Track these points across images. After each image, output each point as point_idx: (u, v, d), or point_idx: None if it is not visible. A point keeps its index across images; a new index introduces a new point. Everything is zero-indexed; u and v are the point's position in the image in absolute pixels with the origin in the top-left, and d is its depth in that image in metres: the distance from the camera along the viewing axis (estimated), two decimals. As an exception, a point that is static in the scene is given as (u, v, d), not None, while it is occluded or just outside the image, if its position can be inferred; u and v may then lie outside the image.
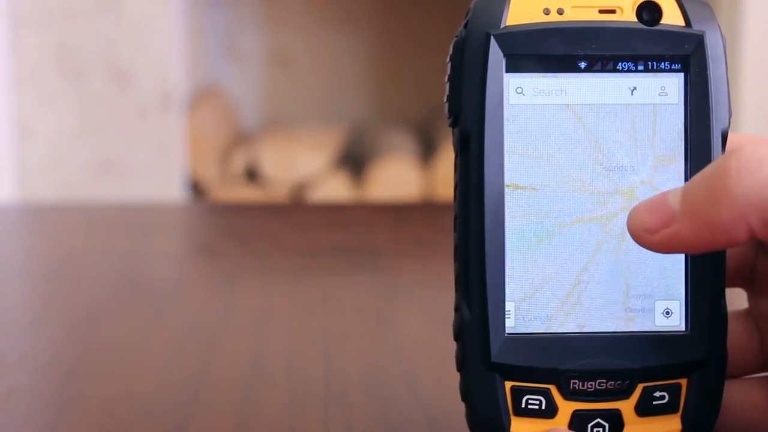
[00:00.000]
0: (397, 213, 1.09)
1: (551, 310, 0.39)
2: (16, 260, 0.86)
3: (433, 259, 0.79)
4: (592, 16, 0.38)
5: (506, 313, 0.38)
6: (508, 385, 0.38)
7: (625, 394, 0.38)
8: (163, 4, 1.83)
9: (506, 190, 0.38)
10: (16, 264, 0.85)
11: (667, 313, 0.39)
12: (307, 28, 2.32)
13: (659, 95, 0.39)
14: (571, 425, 0.38)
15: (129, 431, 0.48)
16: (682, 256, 0.39)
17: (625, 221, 0.36)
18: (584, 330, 0.38)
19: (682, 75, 0.39)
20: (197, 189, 1.98)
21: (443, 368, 0.45)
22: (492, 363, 0.38)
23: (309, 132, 2.13)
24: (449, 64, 0.39)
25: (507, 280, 0.38)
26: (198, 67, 2.13)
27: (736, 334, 0.40)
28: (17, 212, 1.16)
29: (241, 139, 2.15)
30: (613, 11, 0.38)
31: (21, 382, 0.55)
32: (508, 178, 0.38)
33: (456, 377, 0.39)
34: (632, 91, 0.39)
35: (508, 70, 0.38)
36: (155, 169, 1.86)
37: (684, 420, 0.38)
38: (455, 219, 0.39)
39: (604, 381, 0.38)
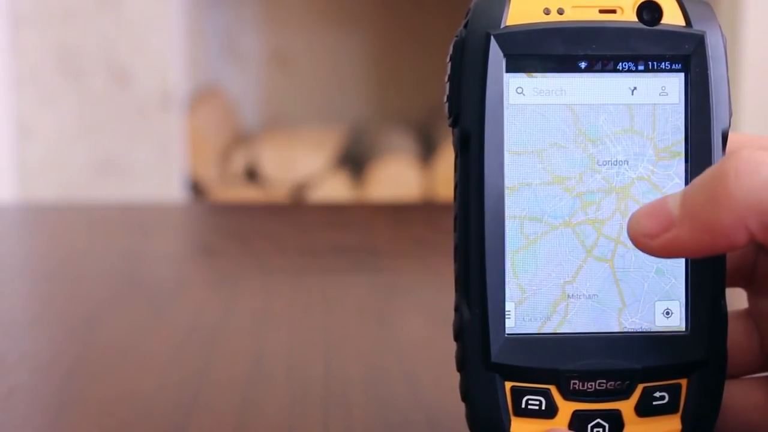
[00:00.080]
0: (397, 213, 1.09)
1: (551, 310, 0.39)
2: (16, 260, 0.86)
3: (433, 259, 0.79)
4: (592, 16, 0.38)
5: (506, 313, 0.38)
6: (508, 385, 0.38)
7: (625, 395, 0.38)
8: (163, 4, 1.83)
9: (506, 190, 0.38)
10: (16, 264, 0.85)
11: (668, 313, 0.39)
12: (307, 28, 2.32)
13: (659, 95, 0.39)
14: (571, 425, 0.38)
15: (129, 431, 0.48)
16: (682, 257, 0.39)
17: (623, 220, 0.36)
18: (584, 330, 0.38)
19: (682, 75, 0.39)
20: (197, 189, 1.98)
21: (443, 368, 0.45)
22: (492, 363, 0.38)
23: (309, 132, 2.13)
24: (449, 64, 0.39)
25: (507, 280, 0.38)
26: (198, 67, 2.13)
27: (736, 334, 0.40)
28: (17, 212, 1.16)
29: (241, 139, 2.15)
30: (613, 11, 0.38)
31: (21, 382, 0.55)
32: (508, 178, 0.38)
33: (456, 377, 0.39)
34: (632, 91, 0.39)
35: (508, 70, 0.38)
36: (155, 169, 1.86)
37: (684, 420, 0.38)
38: (455, 219, 0.39)
39: (604, 381, 0.38)
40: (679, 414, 0.38)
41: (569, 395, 0.38)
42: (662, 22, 0.39)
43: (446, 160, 1.91)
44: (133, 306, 0.69)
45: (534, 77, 0.38)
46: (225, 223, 0.99)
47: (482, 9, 0.38)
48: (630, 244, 0.38)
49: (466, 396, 0.39)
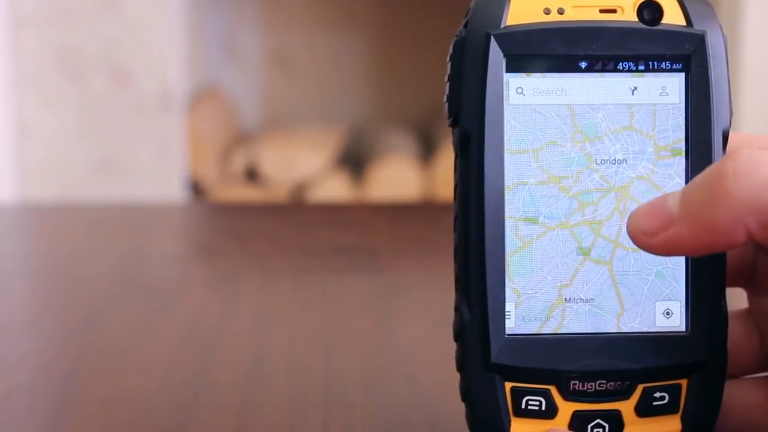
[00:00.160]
0: (397, 213, 1.09)
1: (551, 311, 0.38)
2: (16, 260, 0.86)
3: (433, 259, 0.79)
4: (592, 15, 0.38)
5: (506, 314, 0.38)
6: (508, 385, 0.38)
7: (625, 395, 0.38)
8: (163, 4, 1.83)
9: (506, 190, 0.38)
10: (16, 264, 0.85)
11: (668, 313, 0.39)
12: (307, 28, 2.32)
13: (660, 95, 0.39)
14: (571, 426, 0.38)
15: (129, 431, 0.48)
16: (683, 258, 0.39)
17: (622, 221, 0.36)
18: (584, 331, 0.38)
19: (683, 75, 0.39)
20: (197, 189, 1.98)
21: (443, 368, 0.45)
22: (492, 364, 0.38)
23: (309, 132, 2.13)
24: (449, 64, 0.39)
25: (507, 280, 0.38)
26: (198, 67, 2.13)
27: (736, 334, 0.40)
28: (17, 212, 1.16)
29: (241, 139, 2.15)
30: (613, 11, 0.38)
31: (21, 382, 0.55)
32: (508, 178, 0.38)
33: (456, 377, 0.39)
34: (633, 91, 0.39)
35: (508, 70, 0.38)
36: (155, 169, 1.86)
37: (684, 420, 0.38)
38: (455, 219, 0.39)
39: (604, 382, 0.38)
40: (679, 414, 0.38)
41: (569, 395, 0.38)
42: (663, 21, 0.38)
43: (446, 160, 1.91)
44: (133, 306, 0.69)
45: (534, 77, 0.38)
46: (225, 223, 0.99)
47: (482, 9, 0.38)
48: (629, 245, 0.38)
49: (466, 396, 0.39)
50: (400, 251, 0.84)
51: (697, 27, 0.38)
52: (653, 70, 0.39)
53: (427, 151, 2.05)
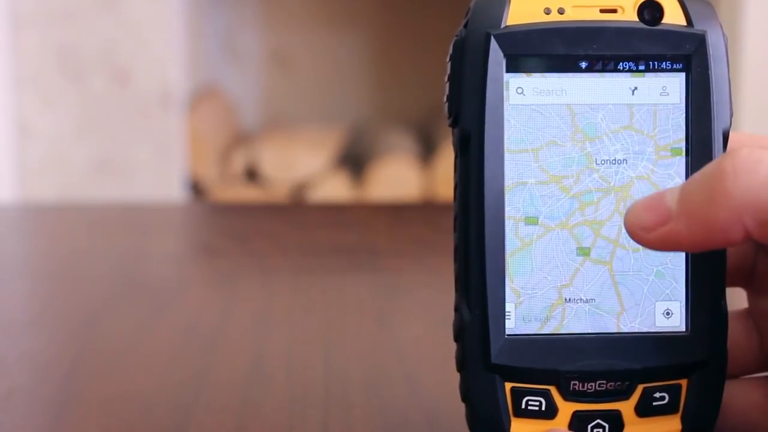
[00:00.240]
0: (397, 213, 1.09)
1: (551, 311, 0.38)
2: (16, 260, 0.86)
3: (433, 259, 0.79)
4: (593, 15, 0.38)
5: (506, 314, 0.38)
6: (508, 386, 0.38)
7: (625, 395, 0.38)
8: (163, 4, 1.83)
9: (506, 190, 0.38)
10: (16, 264, 0.85)
11: (668, 313, 0.39)
12: (307, 28, 2.32)
13: (660, 95, 0.39)
14: (571, 426, 0.38)
15: (129, 431, 0.48)
16: (683, 257, 0.39)
17: (622, 222, 0.36)
18: (584, 331, 0.38)
19: (683, 75, 0.39)
20: (197, 189, 1.98)
21: (443, 368, 0.45)
22: (492, 364, 0.38)
23: (309, 132, 2.14)
24: (449, 64, 0.39)
25: (507, 280, 0.38)
26: (198, 67, 2.13)
27: (736, 334, 0.40)
28: (17, 212, 1.16)
29: (241, 139, 2.15)
30: (614, 11, 0.38)
31: (21, 382, 0.55)
32: (508, 178, 0.38)
33: (456, 377, 0.39)
34: (633, 91, 0.39)
35: (508, 70, 0.38)
36: (155, 169, 1.86)
37: (684, 420, 0.38)
38: (455, 219, 0.39)
39: (604, 382, 0.38)
40: (679, 414, 0.38)
41: (569, 396, 0.38)
42: (663, 21, 0.38)
43: (446, 160, 1.91)
44: (133, 306, 0.69)
45: (534, 77, 0.38)
46: (225, 223, 0.99)
47: (482, 9, 0.38)
48: (630, 245, 0.38)
49: (466, 396, 0.39)
50: (400, 251, 0.84)
51: (698, 27, 0.38)
52: (653, 70, 0.39)
53: (427, 151, 2.05)
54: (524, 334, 0.38)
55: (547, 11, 0.38)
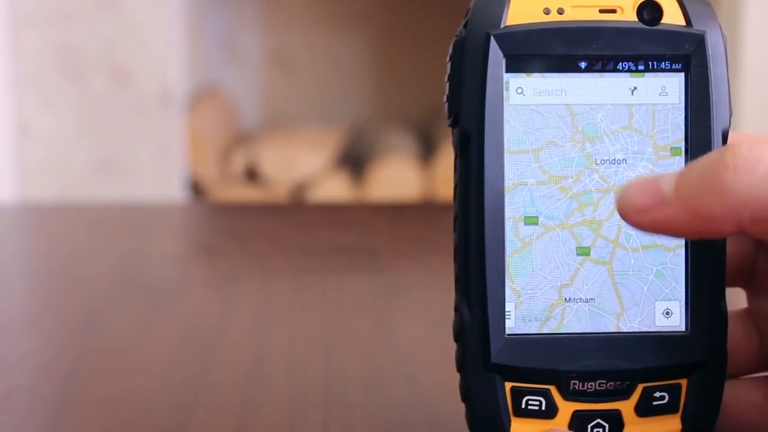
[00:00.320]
0: (397, 213, 1.09)
1: (551, 311, 0.39)
2: (16, 260, 0.86)
3: (433, 259, 0.79)
4: (592, 15, 0.38)
5: (506, 314, 0.38)
6: (508, 385, 0.38)
7: (625, 395, 0.38)
8: (163, 4, 1.83)
9: (506, 190, 0.38)
10: (16, 264, 0.85)
11: (667, 313, 0.39)
12: (307, 28, 2.32)
13: (660, 95, 0.39)
14: (571, 426, 0.38)
15: (129, 431, 0.48)
16: (682, 257, 0.39)
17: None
18: (584, 331, 0.38)
19: (682, 75, 0.39)
20: (197, 189, 1.98)
21: (443, 368, 0.45)
22: (492, 364, 0.38)
23: (309, 132, 2.14)
24: (449, 64, 0.39)
25: (507, 281, 0.38)
26: (198, 67, 2.13)
27: (736, 334, 0.40)
28: (17, 212, 1.16)
29: (241, 139, 2.15)
30: (613, 11, 0.38)
31: (21, 382, 0.55)
32: (508, 178, 0.38)
33: (456, 377, 0.39)
34: (633, 91, 0.39)
35: (508, 70, 0.38)
36: (155, 169, 1.86)
37: (684, 420, 0.38)
38: (455, 219, 0.39)
39: (604, 381, 0.38)
40: (679, 414, 0.38)
41: (569, 395, 0.38)
42: (662, 21, 0.38)
43: (446, 160, 1.91)
44: (133, 306, 0.69)
45: (534, 77, 0.38)
46: (225, 223, 0.99)
47: (482, 9, 0.38)
48: (629, 245, 0.38)
49: (466, 396, 0.39)
50: (400, 251, 0.84)
51: (697, 27, 0.38)
52: (653, 70, 0.39)
53: (427, 151, 2.05)
54: (524, 334, 0.38)
55: (547, 11, 0.38)
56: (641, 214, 0.35)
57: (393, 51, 2.33)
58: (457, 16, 0.41)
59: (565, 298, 0.38)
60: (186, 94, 1.93)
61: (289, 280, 0.76)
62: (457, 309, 0.39)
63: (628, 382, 0.38)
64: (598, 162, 0.38)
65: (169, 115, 1.86)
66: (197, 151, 1.96)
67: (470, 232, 0.38)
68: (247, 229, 0.93)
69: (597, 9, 0.38)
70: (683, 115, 0.39)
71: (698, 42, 0.38)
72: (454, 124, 0.39)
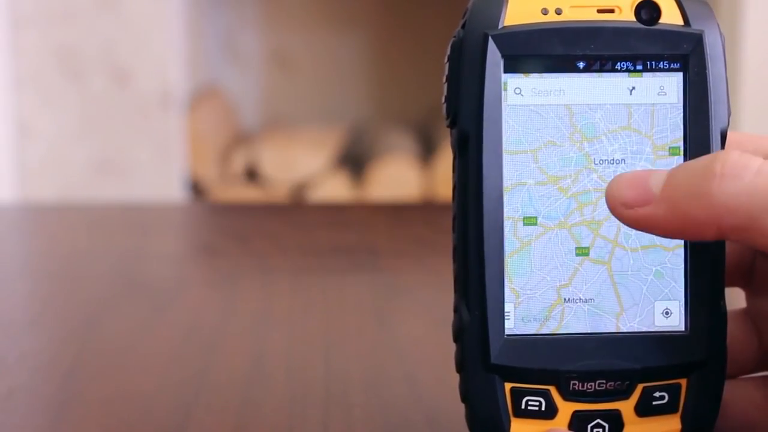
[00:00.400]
0: (397, 213, 1.09)
1: (550, 311, 0.39)
2: (16, 260, 0.86)
3: (433, 259, 0.79)
4: (590, 15, 0.38)
5: (505, 314, 0.38)
6: (508, 386, 0.38)
7: (624, 395, 0.38)
8: (163, 4, 1.83)
9: (505, 190, 0.38)
10: (16, 264, 0.85)
11: (667, 313, 0.39)
12: (307, 28, 2.32)
13: (658, 95, 0.39)
14: (571, 426, 0.38)
15: (129, 431, 0.48)
16: (682, 257, 0.39)
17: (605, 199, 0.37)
18: (583, 331, 0.38)
19: (681, 74, 0.39)
20: (197, 189, 1.98)
21: (443, 368, 0.45)
22: (491, 364, 0.38)
23: (309, 132, 2.14)
24: (447, 65, 0.39)
25: (506, 281, 0.38)
26: (198, 67, 2.13)
27: (735, 334, 0.40)
28: (17, 212, 1.16)
29: (241, 139, 2.15)
30: (611, 11, 0.38)
31: (21, 382, 0.55)
32: (507, 178, 0.38)
33: (456, 377, 0.39)
34: (631, 90, 0.39)
35: (506, 71, 0.38)
36: (155, 169, 1.86)
37: (684, 420, 0.38)
38: (454, 220, 0.39)
39: (604, 381, 0.38)
40: (679, 414, 0.38)
41: (569, 396, 0.38)
42: (660, 21, 0.38)
43: (446, 160, 1.91)
44: (133, 306, 0.69)
45: (532, 78, 0.38)
46: (225, 223, 0.99)
47: (480, 9, 0.38)
48: (628, 245, 0.38)
49: (465, 397, 0.39)
50: (400, 251, 0.84)
51: (695, 27, 0.38)
52: (651, 70, 0.39)
53: (427, 151, 2.05)
54: (524, 335, 0.38)
55: (545, 11, 0.38)
56: (627, 209, 0.36)
57: (393, 51, 2.33)
58: (456, 16, 0.41)
59: (565, 299, 0.38)
60: (186, 94, 1.93)
61: (289, 280, 0.76)
62: (456, 309, 0.39)
63: (627, 382, 0.38)
64: (597, 162, 0.38)
65: (169, 115, 1.86)
66: (197, 151, 1.96)
67: (469, 232, 0.38)
68: (247, 229, 0.93)
69: (595, 9, 0.38)
70: (682, 114, 0.39)
71: (696, 42, 0.38)
72: (452, 125, 0.39)
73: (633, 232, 0.38)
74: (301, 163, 1.98)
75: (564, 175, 0.38)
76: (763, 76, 1.74)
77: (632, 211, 0.36)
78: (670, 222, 0.35)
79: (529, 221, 0.38)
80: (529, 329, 0.38)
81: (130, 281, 0.76)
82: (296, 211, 1.21)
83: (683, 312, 0.39)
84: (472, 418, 0.39)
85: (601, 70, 0.38)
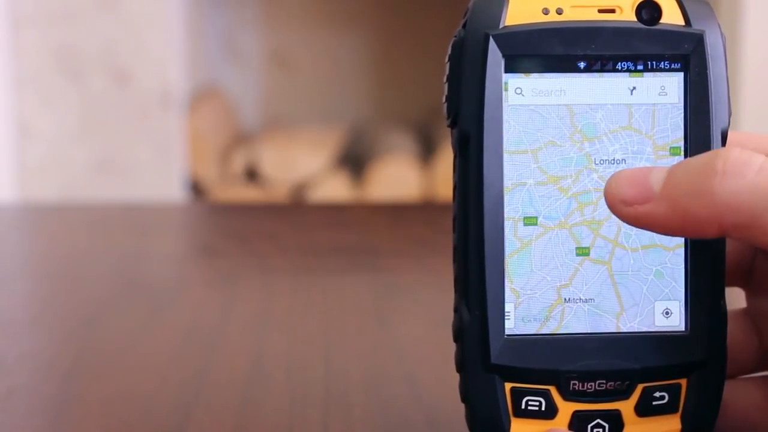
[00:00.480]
0: (397, 213, 1.09)
1: (550, 311, 0.39)
2: (16, 260, 0.86)
3: (433, 259, 0.79)
4: (591, 15, 0.38)
5: (506, 314, 0.38)
6: (508, 386, 0.38)
7: (624, 395, 0.38)
8: (163, 4, 1.83)
9: (505, 190, 0.38)
10: (16, 264, 0.85)
11: (667, 313, 0.39)
12: (307, 28, 2.32)
13: (659, 95, 0.39)
14: (571, 426, 0.38)
15: (129, 431, 0.48)
16: (682, 257, 0.39)
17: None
18: (584, 331, 0.38)
19: (681, 74, 0.39)
20: (197, 189, 1.98)
21: (443, 368, 0.45)
22: (492, 364, 0.38)
23: (309, 132, 2.14)
24: (448, 65, 0.39)
25: (506, 281, 0.38)
26: (198, 67, 2.13)
27: (735, 334, 0.40)
28: (17, 212, 1.16)
29: (241, 139, 2.15)
30: (612, 11, 0.38)
31: (21, 382, 0.55)
32: (507, 178, 0.38)
33: (456, 377, 0.39)
34: (632, 90, 0.39)
35: (507, 71, 0.38)
36: (155, 169, 1.86)
37: (684, 420, 0.38)
38: (454, 220, 0.39)
39: (604, 381, 0.38)
40: (679, 414, 0.38)
41: (569, 396, 0.38)
42: (661, 21, 0.38)
43: (446, 160, 1.91)
44: (133, 306, 0.69)
45: (533, 78, 0.38)
46: (225, 223, 0.99)
47: (481, 9, 0.38)
48: (629, 245, 0.38)
49: (465, 397, 0.39)
50: (400, 251, 0.84)
51: (696, 27, 0.38)
52: (652, 70, 0.39)
53: (427, 151, 2.05)
54: (524, 335, 0.38)
55: (546, 11, 0.38)
56: (627, 207, 0.36)
57: (393, 51, 2.33)
58: (456, 16, 0.41)
59: (565, 299, 0.38)
60: (186, 94, 1.93)
61: (289, 280, 0.76)
62: (456, 309, 0.39)
63: (627, 382, 0.38)
64: (598, 162, 0.38)
65: (169, 115, 1.86)
66: (197, 151, 1.96)
67: (469, 232, 0.38)
68: (247, 229, 0.93)
69: (596, 9, 0.38)
70: (682, 114, 0.39)
71: (697, 42, 0.38)
72: (453, 125, 0.39)
73: (633, 231, 0.38)
74: (301, 163, 1.98)
75: (564, 175, 0.38)
76: (763, 76, 1.74)
77: (632, 208, 0.36)
78: (671, 220, 0.35)
79: (530, 221, 0.38)
80: (530, 329, 0.38)
81: (130, 281, 0.76)
82: (296, 211, 1.21)
83: (683, 312, 0.39)
84: (472, 418, 0.39)
85: (601, 70, 0.38)
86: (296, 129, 2.19)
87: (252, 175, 2.00)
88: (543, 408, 0.38)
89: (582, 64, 0.38)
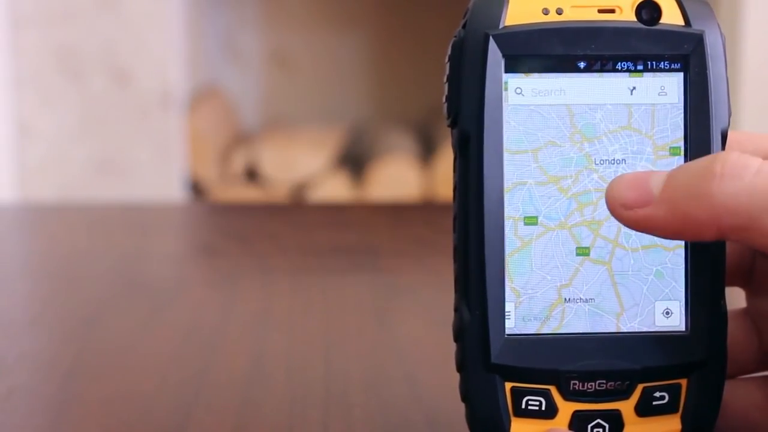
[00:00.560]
0: (397, 213, 1.09)
1: (551, 311, 0.39)
2: (16, 260, 0.86)
3: (433, 259, 0.79)
4: (591, 15, 0.38)
5: (506, 314, 0.38)
6: (508, 386, 0.38)
7: (625, 395, 0.38)
8: (163, 4, 1.83)
9: (505, 190, 0.38)
10: (16, 264, 0.85)
11: (667, 313, 0.39)
12: (307, 28, 2.32)
13: (659, 95, 0.39)
14: (571, 426, 0.38)
15: (129, 431, 0.48)
16: (682, 257, 0.39)
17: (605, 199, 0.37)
18: (584, 331, 0.38)
19: (681, 74, 0.39)
20: (197, 189, 1.98)
21: (443, 368, 0.45)
22: (492, 364, 0.38)
23: (309, 132, 2.14)
24: (448, 65, 0.39)
25: (506, 281, 0.38)
26: (198, 67, 2.13)
27: (735, 334, 0.40)
28: (17, 212, 1.16)
29: (241, 139, 2.15)
30: (612, 11, 0.38)
31: (21, 382, 0.55)
32: (508, 178, 0.38)
33: (456, 377, 0.39)
34: (632, 90, 0.39)
35: (507, 71, 0.38)
36: (155, 169, 1.86)
37: (684, 420, 0.38)
38: (454, 220, 0.39)
39: (604, 381, 0.38)
40: (679, 414, 0.38)
41: (569, 395, 0.38)
42: (661, 21, 0.38)
43: (446, 160, 1.91)
44: (133, 306, 0.69)
45: (533, 77, 0.38)
46: (225, 223, 0.99)
47: (481, 9, 0.38)
48: (629, 245, 0.38)
49: (466, 396, 0.39)
50: (400, 251, 0.84)
51: (696, 27, 0.38)
52: (652, 70, 0.39)
53: (427, 151, 2.05)
54: (524, 334, 0.38)
55: (546, 11, 0.38)
56: (627, 210, 0.36)
57: (393, 51, 2.33)
58: (456, 16, 0.41)
59: (565, 298, 0.38)
60: (186, 94, 1.93)
61: (289, 280, 0.76)
62: (456, 309, 0.39)
63: (627, 382, 0.38)
64: (598, 162, 0.39)
65: (169, 115, 1.86)
66: (197, 151, 1.96)
67: (470, 232, 0.38)
68: (247, 229, 0.93)
69: (596, 9, 0.38)
70: (682, 114, 0.39)
71: (697, 42, 0.38)
72: (453, 125, 0.39)
73: (633, 232, 0.38)
74: (301, 163, 1.98)
75: (564, 175, 0.38)
76: (763, 76, 1.74)
77: (632, 212, 0.36)
78: (670, 223, 0.35)
79: (530, 221, 0.38)
80: (530, 329, 0.38)
81: (130, 281, 0.76)
82: (296, 211, 1.21)
83: (683, 312, 0.39)
84: (472, 417, 0.39)
85: (601, 70, 0.38)
86: (296, 129, 2.19)
87: (252, 175, 2.00)
88: (543, 408, 0.38)
89: (582, 64, 0.38)
